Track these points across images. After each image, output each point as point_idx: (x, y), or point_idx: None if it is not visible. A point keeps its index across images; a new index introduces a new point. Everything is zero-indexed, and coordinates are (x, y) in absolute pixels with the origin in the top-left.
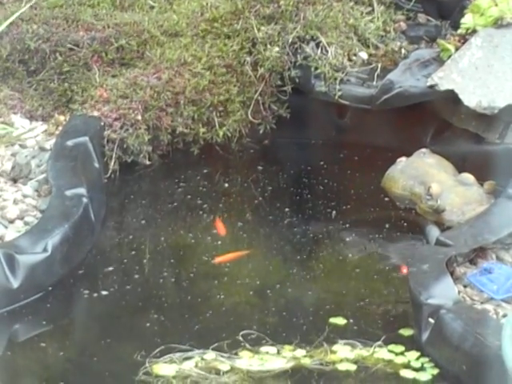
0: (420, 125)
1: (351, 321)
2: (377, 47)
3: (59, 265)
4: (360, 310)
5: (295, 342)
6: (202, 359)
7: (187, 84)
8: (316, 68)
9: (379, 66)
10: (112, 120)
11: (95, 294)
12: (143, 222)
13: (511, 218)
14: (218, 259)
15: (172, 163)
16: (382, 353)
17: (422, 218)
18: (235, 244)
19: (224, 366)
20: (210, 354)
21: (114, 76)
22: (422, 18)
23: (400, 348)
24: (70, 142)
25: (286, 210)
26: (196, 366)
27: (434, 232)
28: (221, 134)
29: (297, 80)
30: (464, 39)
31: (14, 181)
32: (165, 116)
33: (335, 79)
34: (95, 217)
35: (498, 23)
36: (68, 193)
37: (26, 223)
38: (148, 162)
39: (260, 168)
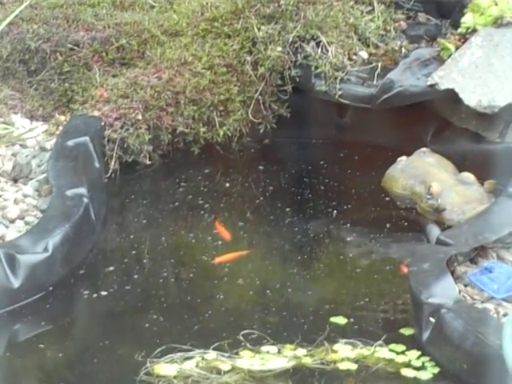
0: (420, 124)
1: (352, 320)
2: (377, 46)
3: (60, 265)
4: (361, 310)
5: (296, 342)
6: (203, 359)
7: (187, 83)
8: (316, 67)
9: (379, 65)
10: (112, 120)
11: (96, 294)
12: (144, 221)
13: None
14: (218, 259)
15: (172, 163)
16: (383, 352)
17: (423, 218)
18: (236, 244)
19: (225, 365)
20: (211, 354)
21: (114, 76)
22: (422, 17)
23: (401, 347)
24: (70, 142)
25: (287, 209)
26: (197, 365)
27: (434, 231)
28: (221, 133)
29: (297, 79)
30: (464, 38)
31: (15, 181)
32: (165, 116)
33: (335, 78)
34: (96, 216)
35: (498, 22)
36: (68, 193)
37: (27, 223)
38: (148, 162)
39: (260, 167)
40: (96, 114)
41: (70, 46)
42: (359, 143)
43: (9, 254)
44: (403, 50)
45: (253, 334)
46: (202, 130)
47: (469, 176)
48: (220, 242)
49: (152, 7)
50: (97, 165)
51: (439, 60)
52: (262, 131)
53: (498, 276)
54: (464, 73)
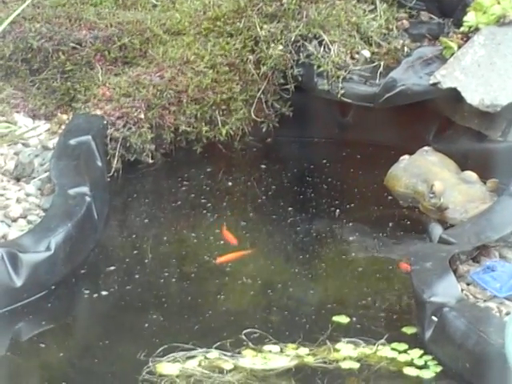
0: (423, 123)
1: (354, 319)
2: (379, 45)
3: (62, 263)
4: (363, 309)
5: (298, 341)
6: (206, 358)
7: (190, 82)
8: (319, 66)
9: (382, 64)
10: (115, 119)
11: (98, 293)
12: (146, 220)
13: None
14: (220, 259)
15: (175, 162)
16: (385, 351)
17: (425, 216)
18: (238, 243)
19: (227, 364)
20: (214, 353)
21: (116, 75)
22: (424, 15)
23: (403, 346)
24: (72, 141)
25: (289, 208)
26: (199, 364)
27: (436, 230)
28: (224, 132)
29: (299, 78)
30: (466, 37)
31: (17, 179)
32: (168, 114)
33: (338, 77)
34: (98, 215)
35: (501, 21)
36: (71, 191)
37: (29, 222)
38: (151, 161)
39: (263, 166)
40: (98, 112)
41: (72, 44)
42: (361, 142)
43: (11, 252)
44: (406, 48)
45: (255, 333)
46: (205, 128)
47: (471, 175)
48: (222, 242)
49: (154, 6)
50: (99, 164)
51: (442, 59)
52: (264, 130)
53: (501, 275)
54: (466, 71)
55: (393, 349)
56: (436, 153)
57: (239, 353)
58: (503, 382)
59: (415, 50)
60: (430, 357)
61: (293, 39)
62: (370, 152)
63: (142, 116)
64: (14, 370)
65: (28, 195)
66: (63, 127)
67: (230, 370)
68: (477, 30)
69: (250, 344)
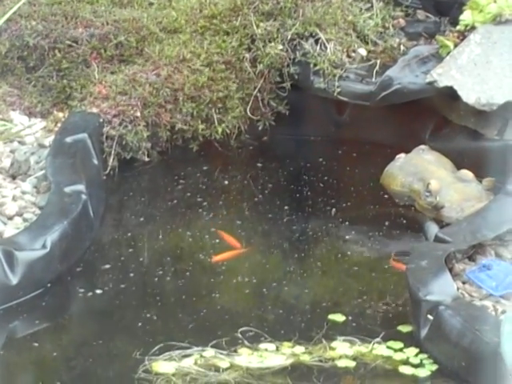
0: (419, 121)
1: (350, 317)
2: (376, 44)
3: (58, 261)
4: (359, 307)
5: (294, 339)
6: (202, 356)
7: (186, 80)
8: (315, 64)
9: (378, 62)
10: (111, 116)
11: (93, 292)
12: (142, 218)
13: (510, 214)
14: (215, 258)
15: (171, 160)
16: (381, 349)
17: (421, 215)
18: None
19: (223, 363)
20: (209, 352)
21: (112, 73)
22: (420, 14)
23: (399, 344)
24: (68, 139)
25: (285, 206)
26: (195, 363)
27: (432, 228)
28: (220, 130)
29: (296, 76)
30: (463, 36)
31: (13, 177)
32: (164, 112)
33: (334, 76)
34: (94, 213)
35: (497, 20)
36: (67, 189)
37: (25, 220)
38: (147, 159)
39: (259, 165)
40: (94, 110)
41: (68, 42)
42: (358, 140)
43: (7, 250)
44: (402, 47)
45: (251, 331)
46: (201, 126)
47: (467, 173)
48: (217, 241)
49: (151, 4)
50: (95, 162)
51: (438, 57)
52: (260, 128)
53: (497, 273)
54: (463, 70)
55: (388, 347)
56: (432, 151)
57: (235, 351)
58: (499, 380)
59: (411, 48)
60: (425, 355)
61: (289, 37)
62: (366, 150)
63: (138, 114)
64: (8, 369)
65: (24, 193)
66: (59, 125)
67: (226, 369)
68: (473, 28)
69: (246, 342)
